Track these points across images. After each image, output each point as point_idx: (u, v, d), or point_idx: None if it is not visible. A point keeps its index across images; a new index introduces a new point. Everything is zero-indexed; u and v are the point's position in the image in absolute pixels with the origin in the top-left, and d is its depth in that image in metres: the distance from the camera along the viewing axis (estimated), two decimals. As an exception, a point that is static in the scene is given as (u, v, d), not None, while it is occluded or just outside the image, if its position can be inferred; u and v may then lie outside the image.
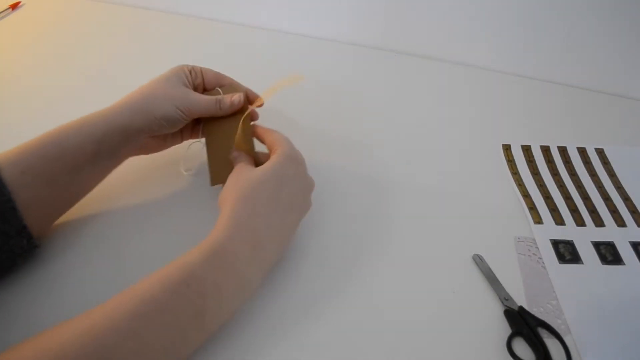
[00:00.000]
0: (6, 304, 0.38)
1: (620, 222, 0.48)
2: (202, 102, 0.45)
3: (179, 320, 0.32)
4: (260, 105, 0.47)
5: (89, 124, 0.41)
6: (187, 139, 0.50)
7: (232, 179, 0.40)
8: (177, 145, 0.50)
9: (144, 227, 0.45)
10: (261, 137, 0.45)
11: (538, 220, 0.48)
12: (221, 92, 0.47)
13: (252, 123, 0.46)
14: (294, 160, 0.41)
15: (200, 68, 0.48)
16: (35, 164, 0.38)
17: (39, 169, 0.38)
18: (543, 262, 0.44)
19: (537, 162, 0.55)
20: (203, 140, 0.47)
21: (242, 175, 0.40)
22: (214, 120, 0.46)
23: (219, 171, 0.45)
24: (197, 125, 0.50)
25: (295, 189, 0.40)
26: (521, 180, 0.52)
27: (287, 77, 0.47)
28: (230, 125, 0.46)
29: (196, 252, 0.34)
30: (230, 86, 0.48)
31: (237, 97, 0.46)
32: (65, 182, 0.40)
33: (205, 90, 0.48)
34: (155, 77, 0.45)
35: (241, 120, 0.44)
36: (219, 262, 0.34)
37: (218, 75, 0.49)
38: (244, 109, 0.46)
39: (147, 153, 0.48)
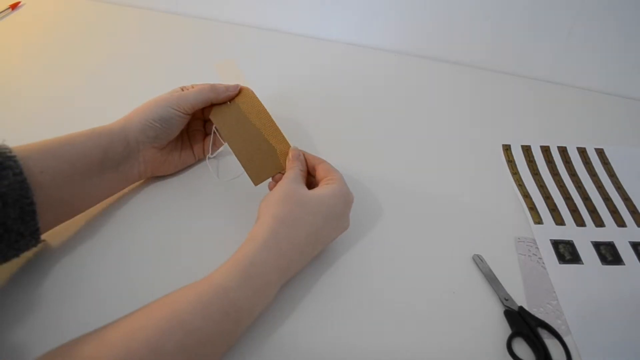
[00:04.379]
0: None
1: (620, 222, 0.48)
2: (193, 92, 0.45)
3: (215, 347, 0.33)
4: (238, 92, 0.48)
5: (95, 133, 0.42)
6: (200, 154, 0.51)
7: (282, 191, 0.40)
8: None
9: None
10: (311, 163, 0.45)
11: (538, 220, 0.48)
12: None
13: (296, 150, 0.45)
14: (346, 199, 0.41)
15: (192, 86, 0.48)
16: (53, 164, 0.38)
17: (56, 170, 0.38)
18: (543, 263, 0.44)
19: (537, 162, 0.55)
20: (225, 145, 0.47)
21: (294, 194, 0.39)
22: (226, 121, 0.46)
23: (256, 170, 0.45)
24: (207, 137, 0.50)
25: (336, 227, 0.41)
26: (521, 180, 0.52)
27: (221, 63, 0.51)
28: (241, 119, 0.46)
29: (233, 271, 0.34)
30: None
31: (232, 86, 0.47)
32: (76, 188, 0.40)
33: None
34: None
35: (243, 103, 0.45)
36: (252, 286, 0.34)
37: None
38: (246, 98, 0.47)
39: (162, 173, 0.49)
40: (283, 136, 0.46)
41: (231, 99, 0.47)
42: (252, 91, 0.48)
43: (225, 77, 0.49)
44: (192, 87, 0.47)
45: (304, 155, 0.45)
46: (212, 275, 0.34)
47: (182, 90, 0.47)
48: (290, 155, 0.45)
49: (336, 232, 0.42)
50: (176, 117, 0.45)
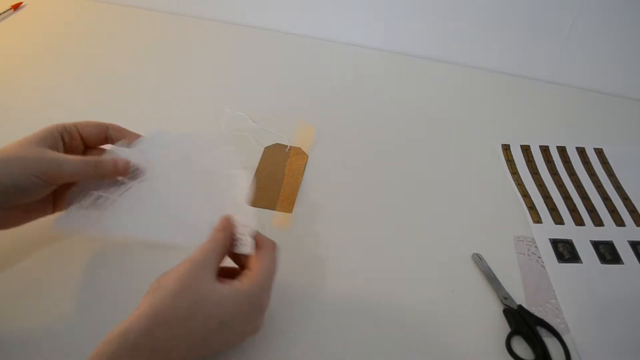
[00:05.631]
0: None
1: (619, 222, 0.48)
2: (68, 163, 0.37)
3: None
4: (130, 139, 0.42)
5: None
6: (62, 207, 0.40)
7: (181, 276, 0.31)
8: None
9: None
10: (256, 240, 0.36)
11: (537, 219, 0.48)
12: (115, 153, 0.41)
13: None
14: (257, 304, 0.33)
15: (76, 125, 0.40)
16: None
17: None
18: (542, 262, 0.44)
19: (536, 162, 0.55)
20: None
21: (192, 284, 0.31)
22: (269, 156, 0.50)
23: (258, 196, 0.48)
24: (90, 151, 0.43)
25: (237, 332, 0.33)
26: (520, 180, 0.53)
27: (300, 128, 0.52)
28: (281, 163, 0.51)
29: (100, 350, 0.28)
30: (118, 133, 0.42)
31: (122, 161, 0.39)
32: None
33: (87, 148, 0.42)
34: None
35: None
36: None
37: (99, 126, 0.41)
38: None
39: (6, 228, 0.38)
40: (294, 197, 0.48)
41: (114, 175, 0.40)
42: (306, 157, 0.53)
43: (299, 138, 0.54)
44: (77, 129, 0.39)
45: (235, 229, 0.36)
46: None
47: (63, 134, 0.39)
48: (218, 224, 0.36)
49: (236, 338, 0.34)
50: (40, 189, 0.36)
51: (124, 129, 0.42)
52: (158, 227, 0.39)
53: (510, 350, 0.37)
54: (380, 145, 0.56)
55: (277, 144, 0.54)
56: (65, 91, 0.62)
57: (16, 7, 0.78)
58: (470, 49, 0.69)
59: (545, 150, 0.56)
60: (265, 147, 0.54)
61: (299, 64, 0.69)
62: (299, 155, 0.53)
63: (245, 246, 0.35)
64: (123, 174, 0.40)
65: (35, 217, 0.40)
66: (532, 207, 0.49)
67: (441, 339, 0.38)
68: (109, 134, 0.42)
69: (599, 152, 0.56)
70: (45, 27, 0.75)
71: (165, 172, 0.41)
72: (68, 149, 0.40)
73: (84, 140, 0.41)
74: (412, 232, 0.46)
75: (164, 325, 0.29)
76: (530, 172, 0.54)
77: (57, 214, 0.40)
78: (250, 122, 0.57)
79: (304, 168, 0.52)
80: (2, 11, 0.75)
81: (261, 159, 0.53)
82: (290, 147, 0.54)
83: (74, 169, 0.37)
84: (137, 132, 0.43)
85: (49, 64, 0.67)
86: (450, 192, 0.51)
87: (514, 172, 0.53)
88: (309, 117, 0.59)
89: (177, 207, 0.39)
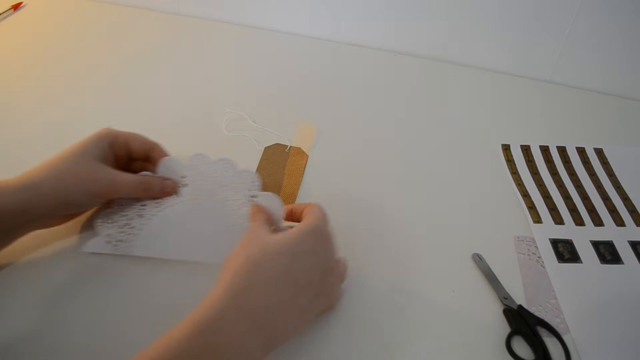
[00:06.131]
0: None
1: (619, 222, 0.48)
2: (123, 184, 0.39)
3: None
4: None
5: None
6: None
7: (243, 240, 0.35)
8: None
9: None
10: (299, 210, 0.39)
11: (537, 219, 0.48)
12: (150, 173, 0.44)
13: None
14: (318, 234, 0.35)
15: (126, 137, 0.42)
16: None
17: None
18: (542, 261, 0.44)
19: (536, 162, 0.55)
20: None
21: (255, 239, 0.34)
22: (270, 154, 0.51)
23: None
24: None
25: (311, 266, 0.34)
26: (520, 179, 0.53)
27: (301, 127, 0.52)
28: (281, 162, 0.52)
29: (177, 332, 0.28)
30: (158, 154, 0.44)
31: (170, 183, 0.42)
32: None
33: (132, 159, 0.44)
34: (71, 144, 0.40)
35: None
36: (204, 344, 0.28)
37: (146, 144, 0.43)
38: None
39: (50, 227, 0.41)
40: (295, 196, 0.49)
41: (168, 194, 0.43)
42: (307, 157, 0.53)
43: (299, 138, 0.54)
44: (127, 141, 0.41)
45: (291, 206, 0.41)
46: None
47: (113, 145, 0.40)
48: (251, 211, 0.40)
49: (319, 274, 0.34)
50: (95, 203, 0.40)
51: (164, 153, 0.44)
52: (183, 248, 0.41)
53: (510, 350, 0.37)
54: (380, 145, 0.56)
55: (277, 144, 0.54)
56: (65, 91, 0.62)
57: (16, 7, 0.78)
58: (470, 48, 0.69)
59: (545, 150, 0.56)
60: (265, 147, 0.54)
61: (299, 64, 0.69)
62: (299, 155, 0.53)
63: (280, 221, 0.40)
64: (168, 195, 0.42)
65: (75, 217, 0.42)
66: (532, 207, 0.49)
67: (441, 339, 0.38)
68: (151, 154, 0.43)
69: (599, 152, 0.56)
70: (45, 27, 0.75)
71: (197, 196, 0.43)
72: (115, 159, 0.42)
73: (129, 152, 0.43)
74: (412, 232, 0.46)
75: (238, 275, 0.31)
76: (530, 172, 0.54)
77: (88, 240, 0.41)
78: (250, 122, 0.57)
79: (304, 168, 0.52)
80: (2, 11, 0.76)
81: (261, 159, 0.53)
82: (290, 147, 0.54)
83: (127, 189, 0.40)
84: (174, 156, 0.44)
85: (49, 64, 0.67)
86: (450, 191, 0.51)
87: (514, 172, 0.53)
88: (309, 117, 0.59)
89: (204, 228, 0.42)
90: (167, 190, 0.42)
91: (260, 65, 0.69)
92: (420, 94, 0.65)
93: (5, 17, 0.75)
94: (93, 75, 0.65)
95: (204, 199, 0.43)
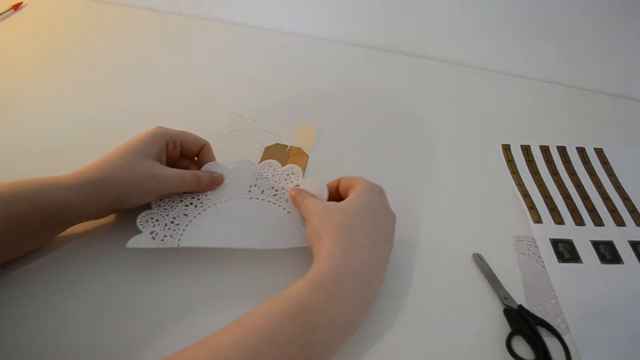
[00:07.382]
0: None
1: (620, 222, 0.48)
2: (174, 179, 0.41)
3: (285, 352, 0.29)
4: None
5: (42, 197, 0.37)
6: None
7: (315, 215, 0.38)
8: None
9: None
10: (334, 185, 0.43)
11: (537, 219, 0.48)
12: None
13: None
14: (377, 191, 0.40)
15: (180, 135, 0.44)
16: None
17: None
18: (542, 261, 0.44)
19: (536, 162, 0.55)
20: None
21: (330, 209, 0.38)
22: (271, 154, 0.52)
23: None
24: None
25: (385, 218, 0.39)
26: (521, 179, 0.53)
27: (301, 128, 0.53)
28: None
29: (301, 283, 0.33)
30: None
31: (218, 175, 0.45)
32: None
33: (182, 157, 0.46)
34: (126, 142, 0.41)
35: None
36: (326, 292, 0.32)
37: (198, 143, 0.46)
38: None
39: (100, 219, 0.43)
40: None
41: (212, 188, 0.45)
42: (307, 157, 0.53)
43: (299, 138, 0.55)
44: (181, 142, 0.44)
45: (329, 183, 0.44)
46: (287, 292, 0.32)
47: (168, 145, 0.43)
48: (291, 195, 0.43)
49: (389, 224, 0.39)
50: (145, 201, 0.41)
51: (212, 153, 0.47)
52: (232, 236, 0.42)
53: (511, 350, 0.37)
54: (380, 145, 0.56)
55: (277, 144, 0.54)
56: (65, 91, 0.62)
57: (16, 7, 0.78)
58: (470, 48, 0.69)
59: (545, 150, 0.56)
60: (266, 147, 0.54)
61: (299, 64, 0.69)
62: (299, 155, 0.53)
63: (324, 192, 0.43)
64: (217, 186, 0.45)
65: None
66: (532, 207, 0.49)
67: (441, 338, 0.38)
68: (202, 152, 0.46)
69: (599, 152, 0.56)
70: (45, 27, 0.75)
71: (243, 192, 0.46)
72: (168, 157, 0.44)
73: (182, 151, 0.45)
74: (412, 232, 0.46)
75: (337, 234, 0.35)
76: (531, 172, 0.54)
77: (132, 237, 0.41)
78: (250, 122, 0.57)
79: (304, 168, 0.52)
80: (2, 11, 0.76)
81: (261, 159, 0.53)
82: (291, 147, 0.54)
83: (180, 184, 0.42)
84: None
85: (49, 64, 0.67)
86: (451, 191, 0.51)
87: (514, 172, 0.53)
88: (309, 117, 0.59)
89: (252, 217, 0.43)
90: (216, 181, 0.44)
91: (261, 65, 0.69)
92: (420, 93, 0.65)
93: (5, 17, 0.75)
94: (93, 75, 0.65)
95: (249, 195, 0.45)
